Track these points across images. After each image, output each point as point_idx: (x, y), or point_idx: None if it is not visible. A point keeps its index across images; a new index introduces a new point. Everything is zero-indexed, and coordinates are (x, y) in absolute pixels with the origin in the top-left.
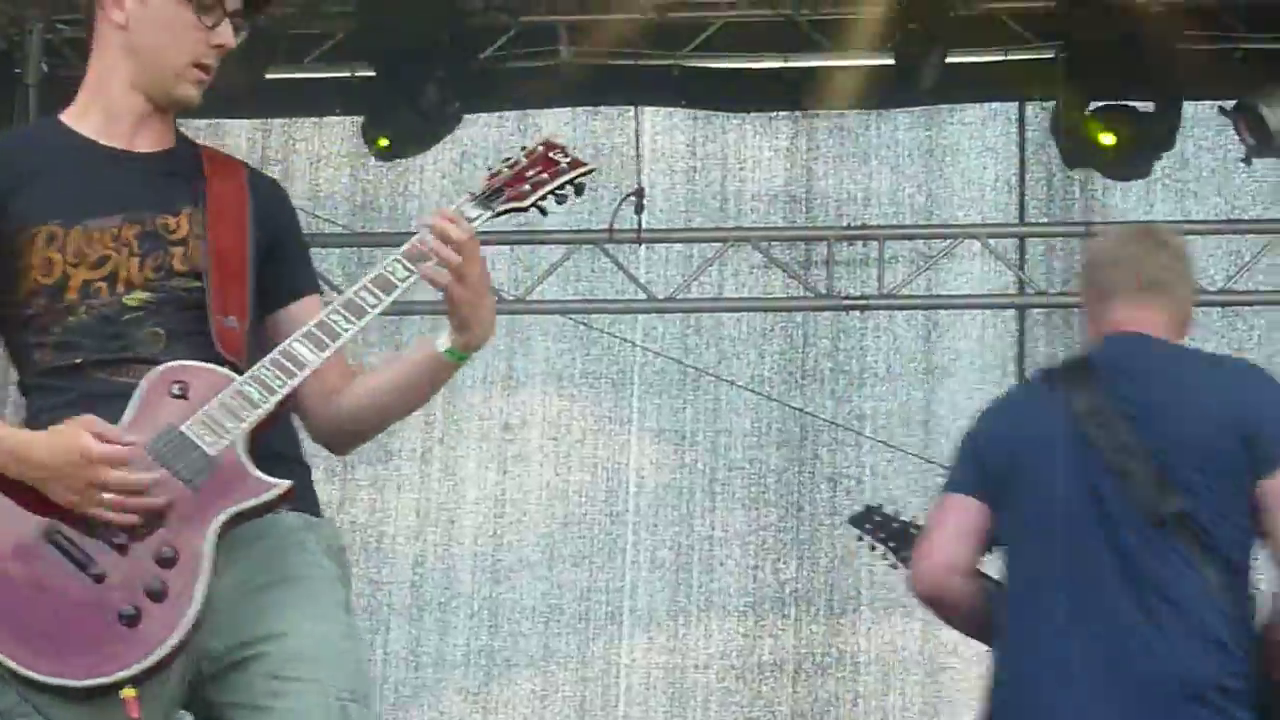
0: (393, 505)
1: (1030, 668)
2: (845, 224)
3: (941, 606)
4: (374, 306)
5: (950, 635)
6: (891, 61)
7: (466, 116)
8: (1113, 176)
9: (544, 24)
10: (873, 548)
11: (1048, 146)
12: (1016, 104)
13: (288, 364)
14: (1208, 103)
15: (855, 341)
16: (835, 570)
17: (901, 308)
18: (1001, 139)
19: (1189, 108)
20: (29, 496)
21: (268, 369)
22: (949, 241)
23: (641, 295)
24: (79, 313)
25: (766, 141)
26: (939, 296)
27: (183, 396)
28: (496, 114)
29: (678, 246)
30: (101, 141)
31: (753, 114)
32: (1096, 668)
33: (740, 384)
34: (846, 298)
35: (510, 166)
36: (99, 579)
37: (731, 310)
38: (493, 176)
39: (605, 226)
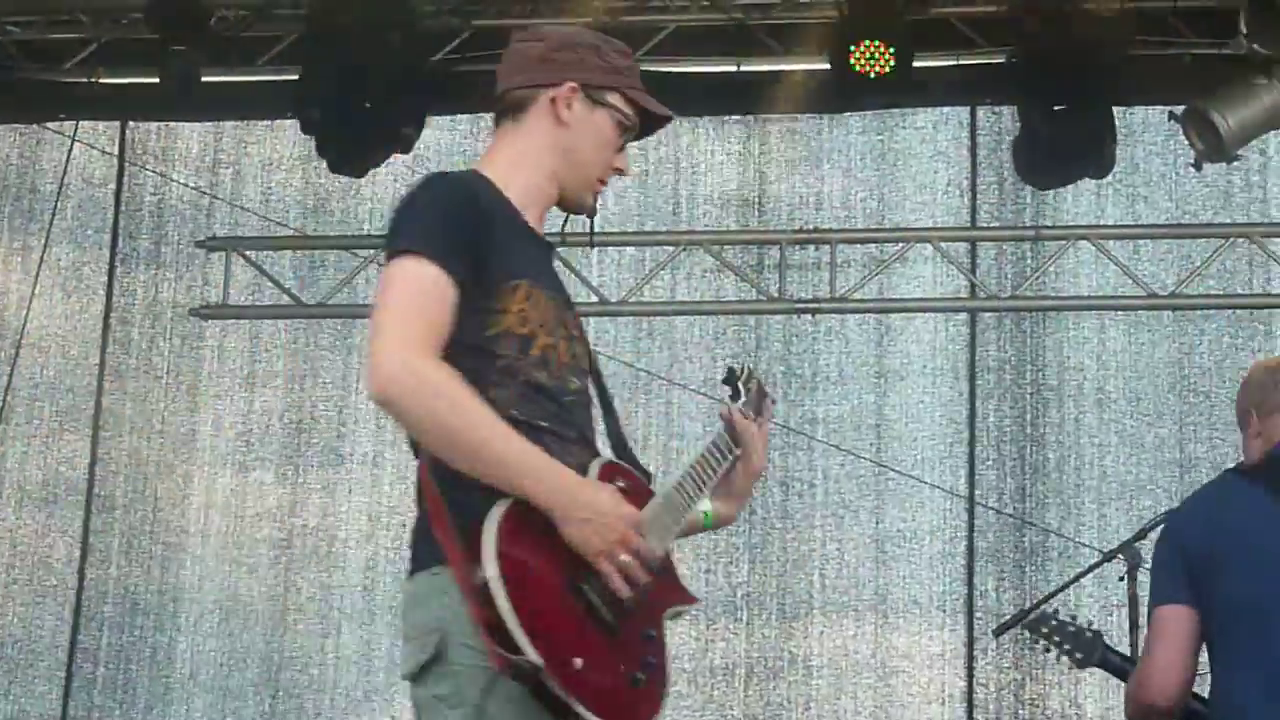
0: (344, 509)
1: None
2: (797, 228)
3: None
4: (720, 466)
5: (902, 639)
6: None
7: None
8: (1046, 185)
9: (496, 27)
10: (1047, 650)
11: (999, 151)
12: (968, 109)
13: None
14: (1158, 108)
15: (807, 345)
16: (787, 574)
17: (853, 311)
18: (953, 143)
19: (1139, 113)
20: (546, 538)
21: (678, 490)
22: (901, 245)
23: (594, 298)
24: (540, 374)
25: (719, 145)
26: (891, 300)
27: (627, 493)
28: (449, 117)
29: (630, 250)
30: (521, 216)
31: (705, 118)
32: None
33: (692, 388)
34: (798, 301)
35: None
36: (613, 636)
37: (684, 314)
38: (747, 385)
39: (557, 230)
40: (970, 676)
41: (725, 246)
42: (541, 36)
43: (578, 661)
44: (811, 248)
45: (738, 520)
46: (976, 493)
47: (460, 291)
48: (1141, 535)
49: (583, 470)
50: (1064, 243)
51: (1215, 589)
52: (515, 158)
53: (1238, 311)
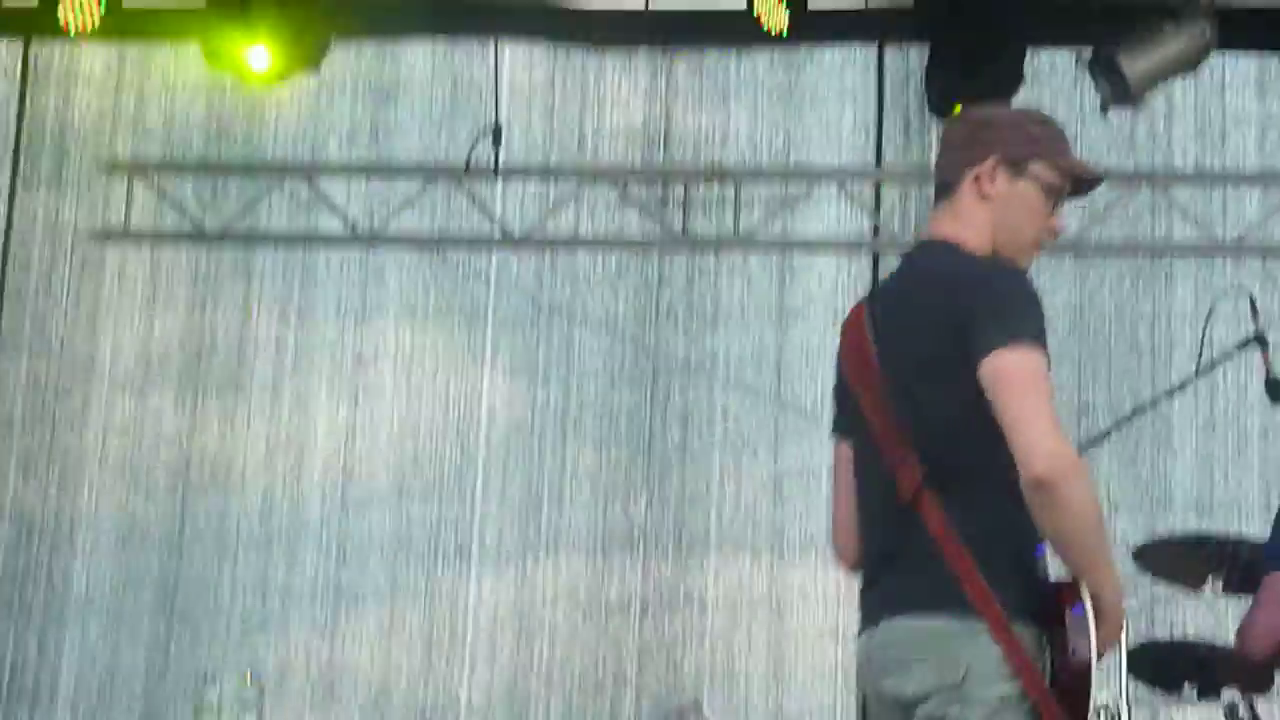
0: (242, 436)
1: None
2: (702, 164)
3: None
4: None
5: (797, 576)
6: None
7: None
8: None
9: None
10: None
11: (906, 92)
12: (875, 49)
13: None
14: (1065, 52)
15: (709, 282)
16: (685, 509)
17: (756, 249)
18: (860, 84)
19: (1045, 57)
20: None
21: None
22: (805, 184)
23: (497, 231)
24: None
25: (626, 79)
26: (794, 239)
27: None
28: (355, 44)
29: (534, 183)
30: None
31: (613, 51)
32: None
33: (594, 322)
34: (701, 238)
35: None
36: None
37: (587, 248)
38: None
39: (462, 161)
40: None
41: (630, 182)
42: (965, 119)
43: None
44: (716, 185)
45: (636, 454)
46: None
47: None
48: None
49: None
50: None
51: None
52: (959, 233)
53: (1139, 258)
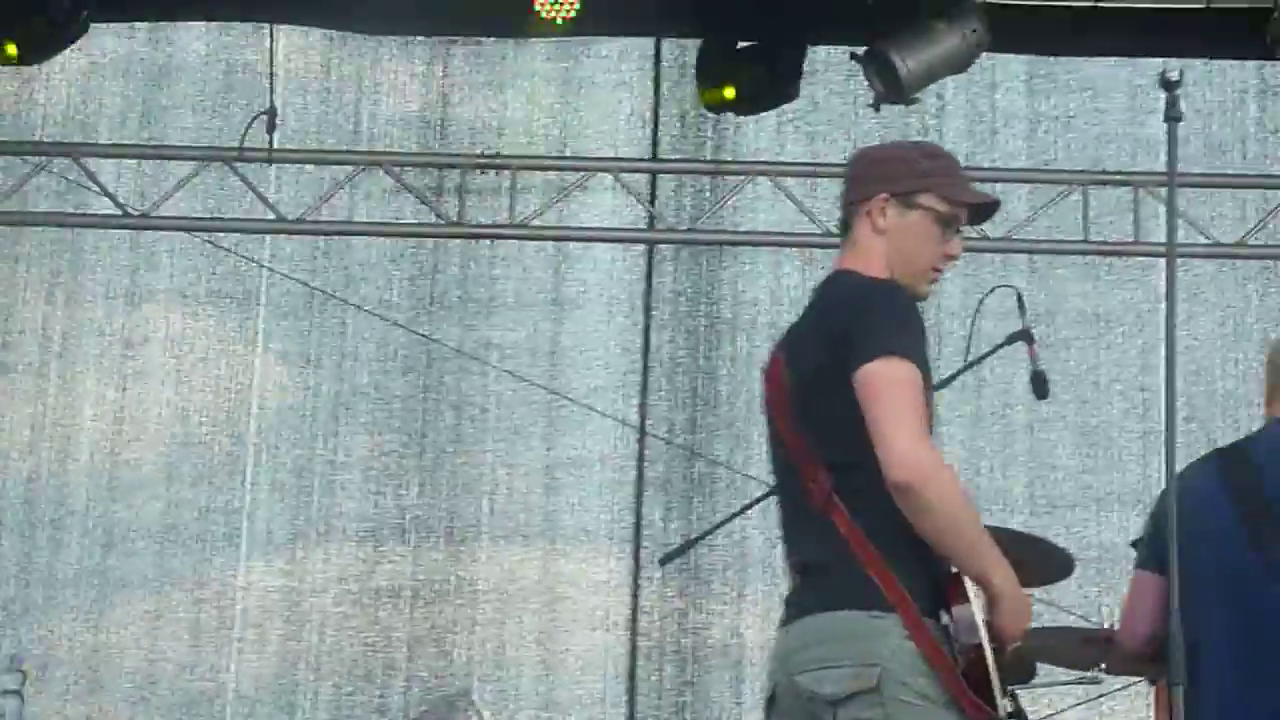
0: (7, 419)
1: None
2: (479, 152)
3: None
4: None
5: (569, 566)
6: None
7: (96, 26)
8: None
9: None
10: None
11: (682, 84)
12: (653, 40)
13: None
14: (839, 47)
15: (484, 270)
16: (457, 498)
17: (532, 238)
18: (637, 74)
19: (820, 52)
20: None
21: None
22: (581, 174)
23: (270, 215)
24: None
25: (403, 66)
26: (570, 228)
27: None
28: (128, 25)
29: (309, 168)
30: None
31: (389, 36)
32: None
33: (368, 309)
34: (477, 226)
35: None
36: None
37: (361, 234)
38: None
39: (235, 144)
40: (635, 604)
41: (405, 168)
42: (859, 158)
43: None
44: (492, 173)
45: (409, 441)
46: (648, 422)
47: None
48: None
49: None
50: (742, 178)
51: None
52: (858, 265)
53: None
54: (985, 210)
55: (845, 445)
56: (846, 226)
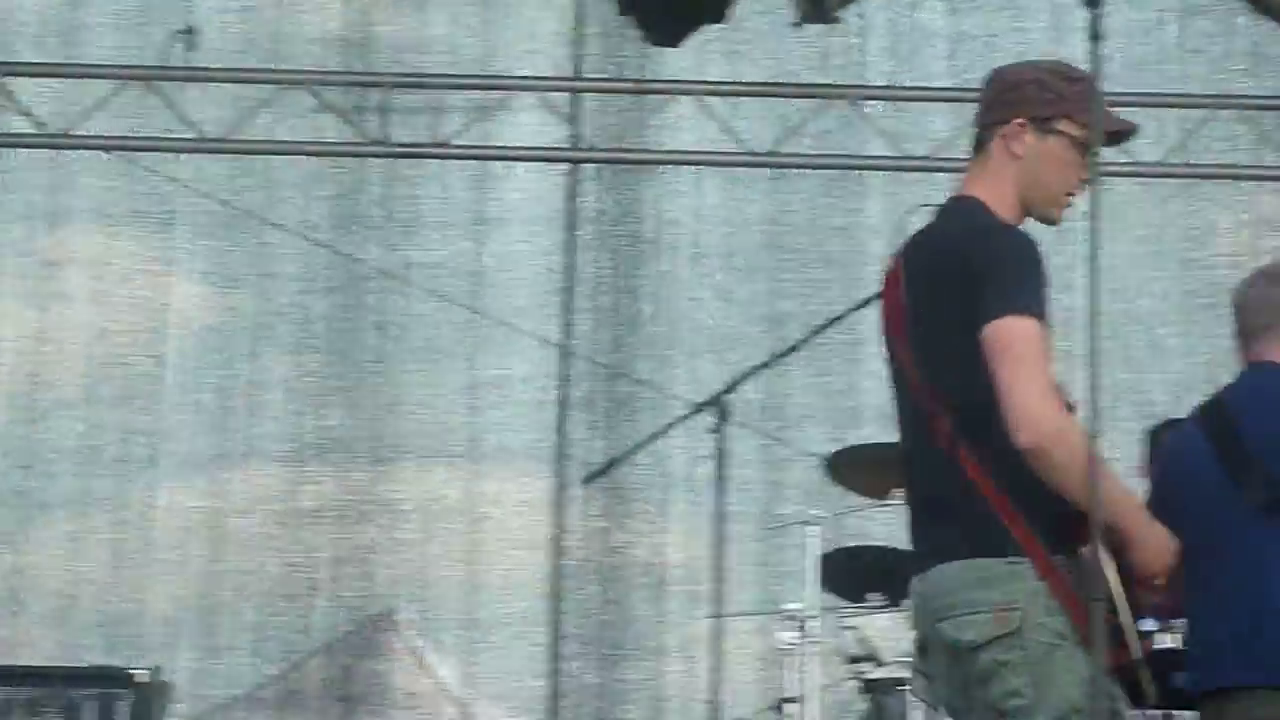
0: None
1: None
2: (401, 71)
3: None
4: None
5: (491, 486)
6: None
7: None
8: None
9: None
10: None
11: (604, 2)
12: None
13: None
14: None
15: (407, 190)
16: (380, 418)
17: (454, 157)
18: None
19: None
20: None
21: None
22: (504, 94)
23: (191, 135)
24: None
25: None
26: (492, 148)
27: None
28: None
29: (229, 87)
30: None
31: None
32: None
33: (289, 228)
34: (399, 145)
35: None
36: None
37: (283, 154)
38: None
39: (155, 63)
40: (559, 523)
41: (327, 87)
42: (994, 79)
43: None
44: (414, 92)
45: (331, 362)
46: (571, 342)
47: None
48: (730, 389)
49: None
50: (665, 97)
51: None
52: (987, 191)
53: (832, 172)
54: (1122, 135)
55: (968, 387)
56: (979, 146)
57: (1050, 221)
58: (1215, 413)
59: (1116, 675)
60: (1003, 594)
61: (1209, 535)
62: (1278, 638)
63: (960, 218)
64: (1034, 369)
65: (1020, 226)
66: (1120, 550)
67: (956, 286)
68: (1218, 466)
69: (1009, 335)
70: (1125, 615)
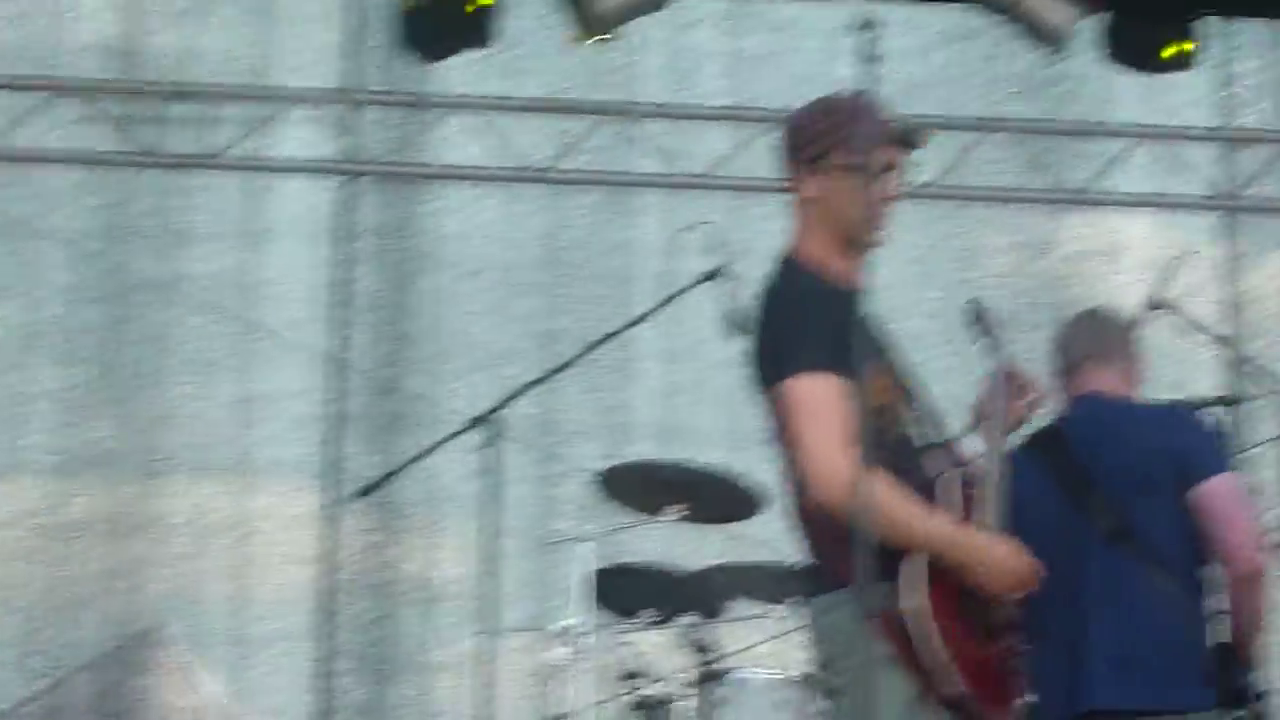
0: None
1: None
2: (176, 81)
3: None
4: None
5: (262, 501)
6: None
7: None
8: (431, 56)
9: None
10: None
11: (383, 16)
12: None
13: None
14: None
15: (179, 201)
16: (150, 431)
17: (228, 168)
18: (338, 4)
19: None
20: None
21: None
22: (280, 105)
23: None
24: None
25: None
26: (266, 160)
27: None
28: None
29: (1, 94)
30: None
31: None
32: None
33: (58, 238)
34: (173, 156)
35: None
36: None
37: (54, 161)
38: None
39: None
40: (331, 538)
41: (99, 96)
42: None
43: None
44: (189, 102)
45: (101, 374)
46: (345, 356)
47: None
48: (503, 404)
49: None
50: (443, 111)
51: None
52: (803, 239)
53: (608, 188)
54: (910, 138)
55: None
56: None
57: (874, 246)
58: (1051, 444)
59: (949, 709)
60: (827, 625)
61: (1054, 564)
62: (1147, 661)
63: (767, 280)
64: (814, 427)
65: (835, 268)
66: (961, 576)
67: (769, 348)
68: (1059, 496)
69: (794, 396)
70: (939, 652)
